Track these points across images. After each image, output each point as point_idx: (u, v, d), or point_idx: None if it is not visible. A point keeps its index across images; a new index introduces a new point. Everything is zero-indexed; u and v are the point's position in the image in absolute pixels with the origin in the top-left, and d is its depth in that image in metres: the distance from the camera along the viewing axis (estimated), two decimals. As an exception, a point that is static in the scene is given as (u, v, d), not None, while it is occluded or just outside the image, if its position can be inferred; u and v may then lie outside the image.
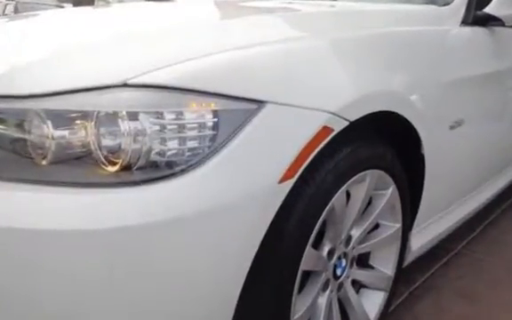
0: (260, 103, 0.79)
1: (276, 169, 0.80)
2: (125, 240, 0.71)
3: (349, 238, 1.07)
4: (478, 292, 1.45)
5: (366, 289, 1.18)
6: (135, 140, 0.72)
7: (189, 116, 0.75)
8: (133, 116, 0.73)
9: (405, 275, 1.32)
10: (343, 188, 0.96)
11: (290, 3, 1.43)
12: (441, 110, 1.19)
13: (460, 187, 1.45)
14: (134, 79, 0.74)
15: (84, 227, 0.70)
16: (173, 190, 0.73)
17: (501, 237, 1.80)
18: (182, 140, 0.75)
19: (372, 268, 1.18)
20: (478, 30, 1.38)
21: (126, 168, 0.73)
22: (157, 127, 0.73)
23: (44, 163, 0.73)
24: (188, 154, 0.75)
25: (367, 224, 1.09)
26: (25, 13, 1.75)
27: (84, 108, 0.73)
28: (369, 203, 1.09)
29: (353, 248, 1.08)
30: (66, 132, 0.73)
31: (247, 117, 0.78)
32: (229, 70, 0.81)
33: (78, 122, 0.73)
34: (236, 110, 0.78)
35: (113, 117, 0.73)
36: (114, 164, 0.73)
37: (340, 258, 1.05)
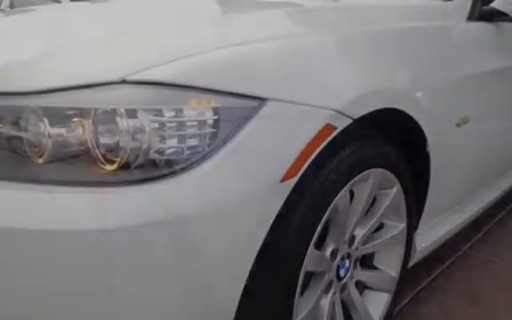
0: (261, 100, 0.78)
1: (278, 167, 0.79)
2: (124, 240, 0.70)
3: (353, 238, 1.05)
4: (484, 294, 1.43)
5: (370, 290, 1.16)
6: (134, 138, 0.71)
7: (189, 114, 0.74)
8: (132, 114, 0.71)
9: (410, 276, 1.30)
10: (346, 187, 0.94)
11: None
12: (446, 108, 1.18)
13: (466, 186, 1.43)
14: (133, 76, 0.73)
15: (81, 227, 0.69)
16: (173, 189, 0.72)
17: (508, 237, 1.78)
18: (182, 138, 0.73)
19: (376, 268, 1.16)
20: (485, 26, 1.36)
21: (125, 167, 0.72)
22: (156, 125, 0.72)
23: (40, 161, 0.72)
24: (187, 152, 0.73)
25: (371, 224, 1.07)
26: (21, 8, 1.74)
27: (82, 105, 0.72)
28: (373, 202, 1.07)
29: (356, 248, 1.06)
30: (63, 130, 0.71)
31: (248, 115, 0.77)
32: (230, 67, 0.79)
33: (76, 119, 0.72)
34: (237, 108, 0.76)
35: (111, 115, 0.71)
36: (112, 162, 0.72)
37: (343, 258, 1.04)
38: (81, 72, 0.75)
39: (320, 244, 0.96)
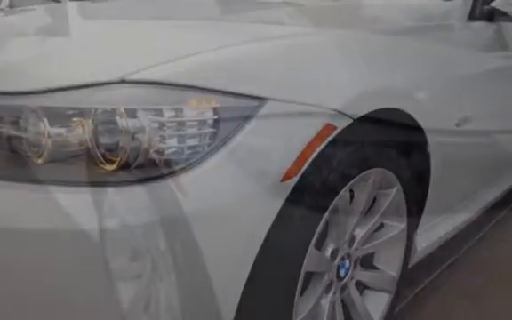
0: (261, 100, 0.78)
1: (278, 167, 0.79)
2: (124, 240, 0.70)
3: (353, 238, 1.05)
4: (485, 294, 1.43)
5: (370, 290, 1.16)
6: (133, 138, 0.71)
7: (189, 114, 0.74)
8: (132, 114, 0.71)
9: (410, 276, 1.30)
10: (346, 187, 0.94)
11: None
12: (447, 107, 1.17)
13: (466, 186, 1.43)
14: (133, 75, 0.73)
15: (81, 227, 0.68)
16: (173, 189, 0.71)
17: (509, 237, 1.77)
18: (182, 138, 0.73)
19: (376, 268, 1.16)
20: (485, 25, 1.36)
21: (124, 166, 0.71)
22: (156, 125, 0.72)
23: (40, 161, 0.71)
24: (187, 152, 0.73)
25: (371, 224, 1.07)
26: (21, 8, 1.74)
27: (82, 105, 0.72)
28: (373, 202, 1.07)
29: (357, 249, 1.06)
30: (62, 130, 0.71)
31: (248, 115, 0.77)
32: (230, 66, 0.79)
33: (75, 119, 0.71)
34: (237, 107, 0.76)
35: (111, 115, 0.71)
36: (112, 162, 0.72)
37: (343, 258, 1.04)
38: (81, 72, 0.75)
39: (320, 244, 0.96)
